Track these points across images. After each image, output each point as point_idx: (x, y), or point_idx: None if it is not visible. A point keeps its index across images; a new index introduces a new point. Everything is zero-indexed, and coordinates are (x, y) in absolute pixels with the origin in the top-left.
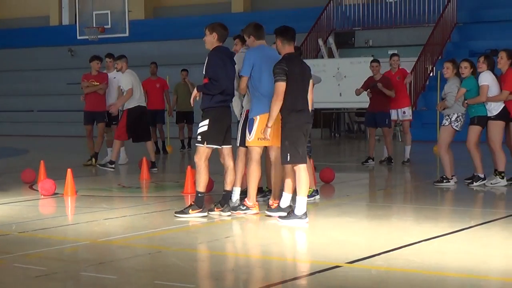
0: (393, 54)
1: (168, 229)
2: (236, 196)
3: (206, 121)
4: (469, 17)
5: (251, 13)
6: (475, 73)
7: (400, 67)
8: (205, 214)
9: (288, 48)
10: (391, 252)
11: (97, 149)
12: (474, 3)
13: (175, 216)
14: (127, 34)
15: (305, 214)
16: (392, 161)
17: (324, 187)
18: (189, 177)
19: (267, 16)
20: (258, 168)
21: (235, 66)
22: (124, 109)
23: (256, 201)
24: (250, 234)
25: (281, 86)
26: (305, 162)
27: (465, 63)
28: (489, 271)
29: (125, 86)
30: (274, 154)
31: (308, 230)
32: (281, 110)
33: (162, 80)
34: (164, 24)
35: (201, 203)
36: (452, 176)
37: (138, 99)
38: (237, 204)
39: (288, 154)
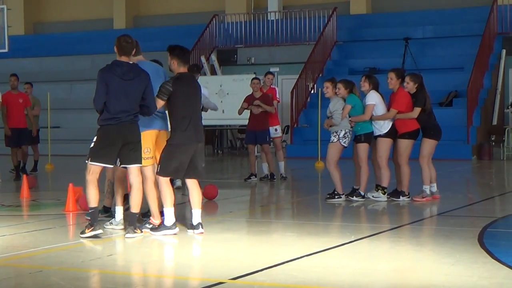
0: (268, 72)
1: (49, 248)
2: (119, 216)
3: (94, 138)
4: (349, 36)
5: (133, 30)
6: (355, 91)
7: (272, 86)
8: (99, 231)
9: (182, 69)
10: (273, 268)
11: None
12: (353, 22)
13: (81, 236)
14: (6, 50)
15: (174, 225)
16: (275, 177)
17: (207, 203)
18: (70, 195)
19: (150, 32)
20: (155, 186)
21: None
22: None
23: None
24: (132, 251)
25: (159, 103)
26: (171, 177)
27: (339, 85)
28: (369, 284)
29: None
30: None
31: (190, 247)
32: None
33: (25, 95)
34: (45, 40)
35: (94, 219)
36: (342, 194)
37: None
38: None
39: (159, 166)
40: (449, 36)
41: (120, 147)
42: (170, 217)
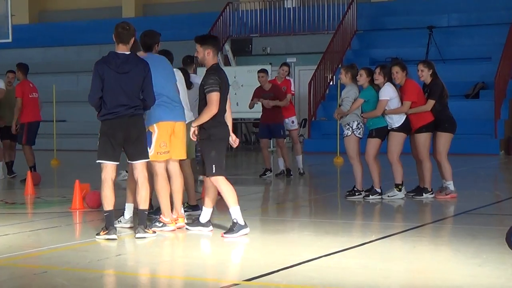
0: (284, 64)
1: (55, 247)
2: (129, 213)
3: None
4: (369, 25)
5: (143, 18)
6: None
7: (287, 78)
8: (113, 236)
9: (216, 59)
10: (290, 269)
11: None
12: (374, 10)
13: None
14: (10, 40)
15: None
16: (291, 173)
17: (219, 201)
18: (77, 192)
19: (160, 21)
20: (166, 182)
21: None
22: None
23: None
24: (142, 251)
25: (216, 96)
26: (225, 175)
27: (361, 71)
28: (390, 286)
29: None
30: (172, 167)
31: (203, 246)
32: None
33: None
34: (50, 29)
35: (109, 223)
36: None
37: None
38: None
39: (214, 165)
40: (476, 24)
41: (123, 142)
42: (240, 216)
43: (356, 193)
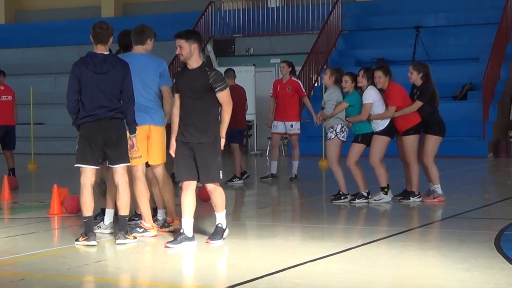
0: (283, 61)
1: (32, 254)
2: (109, 219)
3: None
4: (355, 25)
5: (123, 18)
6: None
7: (292, 78)
8: (92, 243)
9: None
10: (275, 275)
11: None
12: (360, 10)
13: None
14: None
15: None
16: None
17: (203, 206)
18: (55, 196)
19: (140, 21)
20: (146, 187)
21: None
22: None
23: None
24: (123, 258)
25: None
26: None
27: (346, 77)
28: None
29: None
30: (156, 171)
31: (185, 252)
32: (210, 123)
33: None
34: (27, 29)
35: (88, 229)
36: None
37: None
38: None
39: (221, 171)
40: (463, 24)
41: (103, 146)
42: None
43: (342, 197)
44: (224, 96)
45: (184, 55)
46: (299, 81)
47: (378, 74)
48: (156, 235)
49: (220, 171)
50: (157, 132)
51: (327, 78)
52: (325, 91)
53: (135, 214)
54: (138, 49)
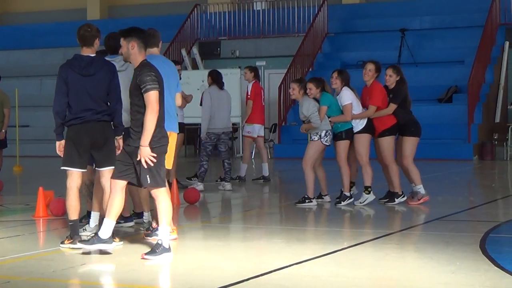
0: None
1: (17, 256)
2: (94, 222)
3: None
4: (341, 27)
5: (108, 21)
6: (326, 89)
7: (255, 81)
8: (78, 246)
9: (143, 55)
10: (260, 277)
11: None
12: (345, 13)
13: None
14: None
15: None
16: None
17: (189, 208)
18: (41, 199)
19: (126, 24)
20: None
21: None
22: None
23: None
24: (109, 260)
25: (156, 94)
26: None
27: (309, 84)
28: None
29: None
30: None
31: (171, 254)
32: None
33: None
34: (12, 31)
35: (74, 232)
36: (325, 194)
37: None
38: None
39: (148, 176)
40: (449, 27)
41: (90, 149)
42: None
43: (306, 201)
44: (148, 98)
45: (124, 54)
46: (259, 83)
47: (370, 67)
48: (176, 238)
49: (148, 176)
50: (173, 139)
51: (297, 93)
52: (299, 105)
53: (134, 214)
54: (155, 51)
